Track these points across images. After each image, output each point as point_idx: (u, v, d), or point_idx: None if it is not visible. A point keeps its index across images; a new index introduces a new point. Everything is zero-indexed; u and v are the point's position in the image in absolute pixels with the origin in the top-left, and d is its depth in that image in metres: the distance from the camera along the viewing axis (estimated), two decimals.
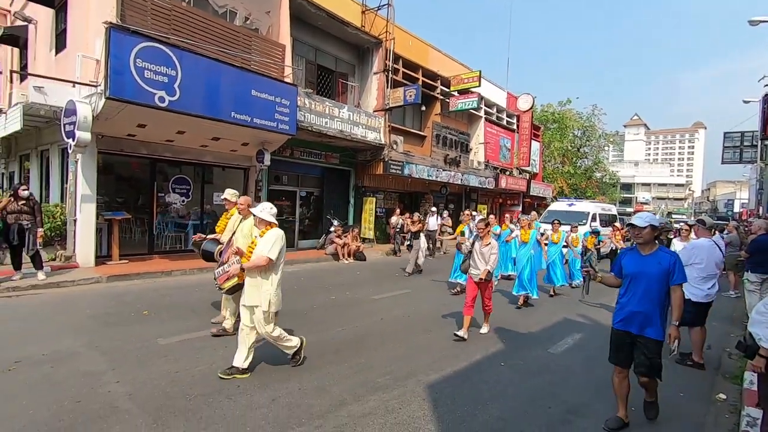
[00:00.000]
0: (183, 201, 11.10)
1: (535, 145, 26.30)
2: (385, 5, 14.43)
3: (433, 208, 14.41)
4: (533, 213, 11.48)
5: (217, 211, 12.03)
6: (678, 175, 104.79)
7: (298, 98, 11.07)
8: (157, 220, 10.55)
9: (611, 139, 44.88)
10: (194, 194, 11.27)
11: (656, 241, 3.42)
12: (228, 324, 5.20)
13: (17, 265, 7.32)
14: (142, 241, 10.44)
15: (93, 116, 7.96)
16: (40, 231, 7.45)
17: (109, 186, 9.96)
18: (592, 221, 15.59)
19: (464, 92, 17.91)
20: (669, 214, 64.93)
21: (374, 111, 14.61)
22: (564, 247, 9.40)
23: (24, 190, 7.31)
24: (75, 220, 8.65)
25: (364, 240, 14.45)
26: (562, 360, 5.13)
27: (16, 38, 12.22)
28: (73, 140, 7.92)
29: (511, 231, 9.86)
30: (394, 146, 15.16)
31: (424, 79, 16.73)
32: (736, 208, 59.33)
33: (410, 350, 5.10)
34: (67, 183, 9.27)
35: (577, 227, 10.14)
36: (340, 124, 12.77)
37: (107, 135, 8.88)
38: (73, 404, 3.40)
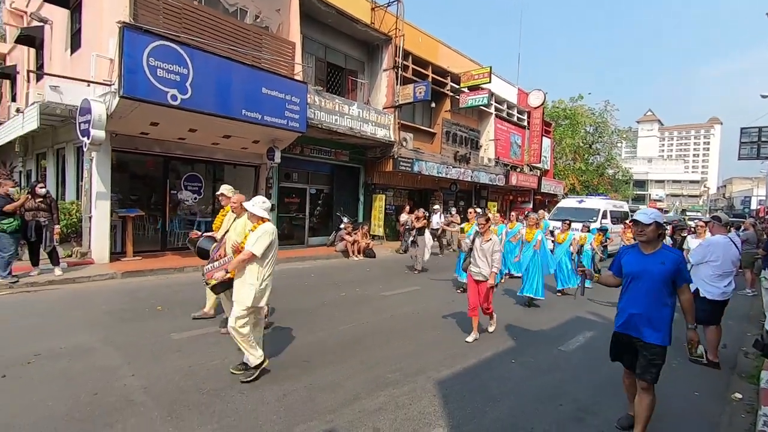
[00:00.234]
0: (195, 198, 11.23)
1: (546, 142, 26.03)
2: (395, 2, 14.39)
3: (436, 206, 14.32)
4: (541, 212, 11.33)
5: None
6: (693, 172, 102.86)
7: (308, 96, 11.11)
8: (169, 218, 10.69)
9: (624, 136, 44.28)
10: (206, 192, 11.39)
11: (660, 240, 3.18)
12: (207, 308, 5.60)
13: (35, 261, 7.50)
14: (155, 238, 10.60)
15: (107, 115, 8.08)
16: (57, 228, 7.60)
17: (123, 184, 10.11)
18: (602, 218, 15.34)
19: (474, 89, 17.78)
20: (683, 211, 63.87)
21: (384, 108, 14.59)
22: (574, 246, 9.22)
23: (41, 187, 7.47)
24: (90, 217, 8.81)
25: (373, 237, 14.48)
26: (573, 358, 5.09)
27: (33, 39, 12.46)
28: (88, 138, 8.05)
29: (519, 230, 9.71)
30: (404, 143, 15.13)
31: (434, 76, 16.65)
32: (753, 206, 58.12)
33: (420, 347, 5.10)
34: (82, 181, 9.44)
35: (588, 226, 9.93)
36: (350, 122, 12.78)
37: (121, 133, 9.01)
38: (90, 397, 3.48)
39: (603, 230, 12.35)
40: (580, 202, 17.12)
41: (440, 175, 16.57)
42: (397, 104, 14.63)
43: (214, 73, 8.91)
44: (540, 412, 3.67)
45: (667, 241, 9.70)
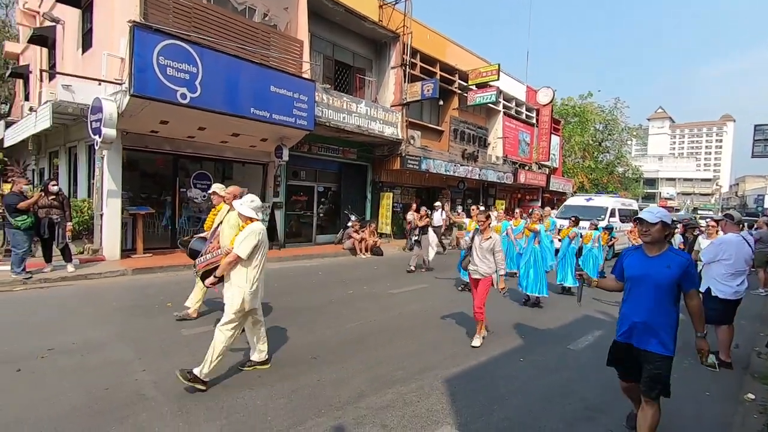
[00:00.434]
0: (204, 196, 11.31)
1: (555, 140, 25.81)
2: None
3: (437, 203, 14.24)
4: (547, 209, 11.20)
5: None
6: (705, 170, 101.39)
7: (316, 94, 11.13)
8: (179, 215, 10.80)
9: (634, 133, 43.77)
10: None
11: (666, 242, 2.92)
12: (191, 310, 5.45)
13: (48, 257, 7.62)
14: (165, 235, 10.71)
15: (118, 113, 8.17)
16: (69, 225, 7.72)
17: (134, 181, 10.23)
18: (611, 217, 15.17)
19: (482, 86, 17.68)
20: (695, 209, 62.99)
21: (391, 106, 14.57)
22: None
23: (54, 185, 7.58)
24: (101, 215, 8.92)
25: (381, 235, 14.49)
26: (582, 357, 5.05)
27: (45, 38, 12.63)
28: (100, 137, 8.15)
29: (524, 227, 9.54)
30: (412, 141, 15.10)
31: (442, 74, 16.59)
32: (767, 204, 57.16)
33: (428, 344, 5.10)
34: (93, 179, 9.56)
35: (596, 224, 9.78)
36: (358, 120, 12.79)
37: (131, 131, 9.11)
38: (102, 391, 3.53)
39: (608, 229, 12.19)
40: (588, 200, 16.93)
41: (448, 173, 16.52)
42: (404, 102, 14.60)
43: (223, 71, 8.96)
44: (549, 411, 3.65)
45: (678, 239, 9.55)
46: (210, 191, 5.49)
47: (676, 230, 9.98)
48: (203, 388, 3.60)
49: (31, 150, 13.48)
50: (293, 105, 10.30)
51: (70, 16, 11.27)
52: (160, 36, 7.98)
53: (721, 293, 4.93)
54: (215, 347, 3.66)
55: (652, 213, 2.86)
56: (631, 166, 44.46)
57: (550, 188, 24.26)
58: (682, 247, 9.49)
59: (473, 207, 9.14)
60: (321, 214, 14.31)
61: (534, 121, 23.54)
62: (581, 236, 8.94)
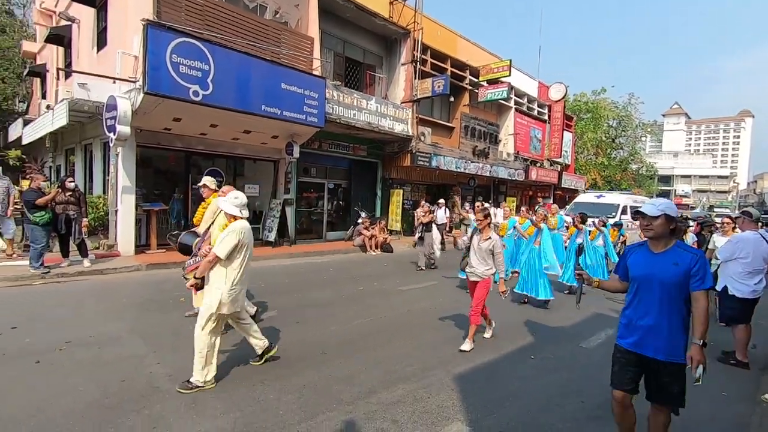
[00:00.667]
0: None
1: (567, 136, 25.51)
2: None
3: (441, 200, 14.13)
4: (554, 206, 11.05)
5: (248, 203, 12.34)
6: (722, 167, 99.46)
7: (327, 91, 11.15)
8: (191, 212, 10.93)
9: (649, 129, 43.08)
10: (226, 186, 11.57)
11: (673, 236, 2.65)
12: None
13: (65, 252, 7.78)
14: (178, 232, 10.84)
15: (132, 111, 8.29)
16: (85, 221, 7.87)
17: (147, 178, 10.37)
18: (622, 214, 14.93)
19: (494, 82, 17.55)
20: (711, 207, 61.78)
21: (402, 102, 14.54)
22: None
23: (70, 182, 7.73)
24: (116, 211, 9.07)
25: (391, 232, 14.49)
26: (594, 355, 5.00)
27: (61, 37, 12.86)
28: (114, 134, 8.28)
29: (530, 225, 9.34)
30: (422, 138, 15.06)
31: (453, 70, 16.49)
32: None
33: (438, 341, 5.10)
34: (108, 175, 9.72)
35: (605, 221, 9.59)
36: (368, 116, 12.79)
37: (145, 129, 9.23)
38: (118, 383, 3.60)
39: (618, 225, 11.99)
40: (599, 197, 16.68)
41: (458, 170, 16.44)
42: (415, 99, 14.55)
43: (235, 68, 9.02)
44: (560, 409, 3.63)
45: (691, 238, 9.34)
46: (200, 184, 5.33)
47: (690, 229, 9.77)
48: (211, 387, 3.61)
49: (48, 147, 13.74)
50: (304, 102, 10.34)
51: (86, 15, 11.45)
52: (173, 34, 8.06)
53: (739, 292, 4.85)
54: (199, 352, 3.55)
55: (653, 205, 2.61)
56: (645, 163, 43.82)
57: (562, 185, 24.02)
58: (696, 246, 9.30)
59: (477, 204, 8.83)
60: (331, 211, 14.36)
61: (546, 117, 23.30)
62: (588, 233, 8.81)
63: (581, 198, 17.43)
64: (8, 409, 3.16)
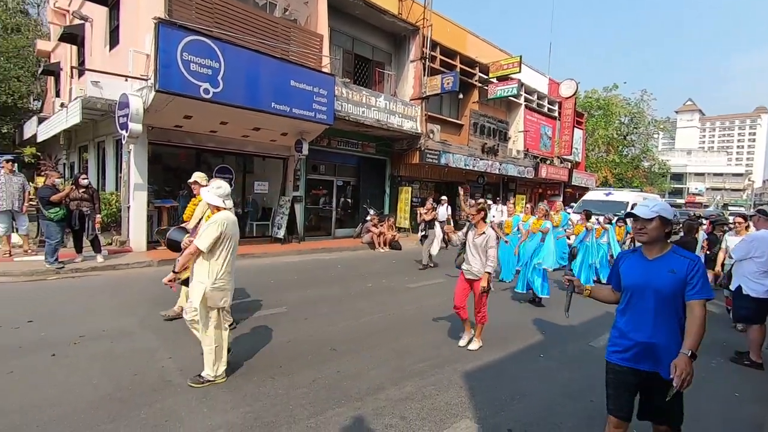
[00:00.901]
0: None
1: (578, 133, 25.24)
2: None
3: (444, 197, 14.03)
4: (558, 202, 10.92)
5: (257, 200, 12.46)
6: (736, 164, 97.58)
7: (336, 88, 11.16)
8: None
9: (661, 126, 42.44)
10: (236, 183, 11.68)
11: (668, 240, 2.44)
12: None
13: (79, 248, 7.92)
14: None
15: (144, 108, 8.39)
16: (98, 217, 7.99)
17: (158, 175, 10.49)
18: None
19: (503, 79, 17.41)
20: (725, 206, 60.75)
21: (411, 99, 14.50)
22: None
23: (84, 179, 7.85)
24: (128, 207, 9.20)
25: (399, 229, 14.50)
26: (604, 354, 4.95)
27: (75, 36, 13.03)
28: (126, 131, 8.39)
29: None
30: (431, 135, 15.01)
31: (462, 66, 16.39)
32: None
33: (446, 338, 5.10)
34: (121, 172, 9.86)
35: (610, 219, 9.44)
36: (377, 114, 12.78)
37: (156, 126, 9.34)
38: (131, 377, 3.67)
39: (629, 216, 11.74)
40: (608, 194, 16.37)
41: (467, 167, 16.37)
42: (424, 96, 14.50)
43: (245, 66, 9.08)
44: (569, 408, 3.61)
45: (702, 236, 9.18)
46: (191, 180, 5.15)
47: (702, 227, 9.61)
48: (222, 381, 3.64)
49: (62, 145, 13.96)
50: (313, 99, 10.37)
51: (98, 14, 11.59)
52: (184, 32, 8.13)
53: (753, 291, 4.77)
54: (207, 348, 3.56)
55: (647, 207, 2.41)
56: (658, 161, 43.19)
57: (573, 183, 23.78)
58: (706, 245, 9.13)
59: (481, 201, 8.52)
60: (340, 209, 14.41)
61: (556, 114, 23.07)
62: (593, 230, 8.70)
63: (589, 195, 17.16)
64: (25, 400, 3.24)
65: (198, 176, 5.12)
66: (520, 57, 16.87)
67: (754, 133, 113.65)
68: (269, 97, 9.52)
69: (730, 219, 9.70)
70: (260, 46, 9.61)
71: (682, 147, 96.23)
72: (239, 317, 5.40)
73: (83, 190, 7.74)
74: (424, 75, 14.49)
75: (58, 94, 16.52)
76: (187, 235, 4.43)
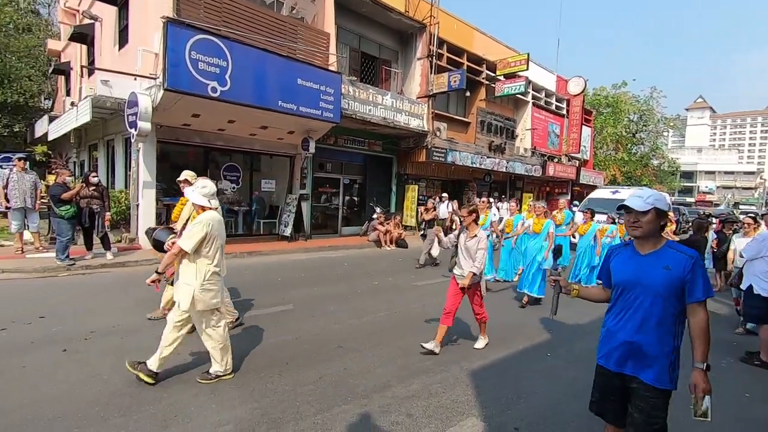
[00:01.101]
0: (233, 188, 11.61)
1: (586, 131, 25.03)
2: None
3: (444, 194, 13.92)
4: (562, 200, 10.80)
5: (264, 198, 12.53)
6: (748, 162, 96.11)
7: (342, 86, 11.17)
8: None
9: (671, 124, 41.95)
10: (243, 181, 11.76)
11: (662, 235, 2.25)
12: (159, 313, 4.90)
13: (89, 245, 8.02)
14: None
15: (153, 107, 8.46)
16: (108, 215, 8.08)
17: (166, 173, 10.56)
18: None
19: (511, 76, 17.31)
20: (736, 204, 59.95)
21: (417, 97, 14.47)
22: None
23: (94, 177, 7.95)
24: (137, 205, 9.30)
25: (406, 227, 14.50)
26: None
27: (85, 36, 13.18)
28: (135, 130, 8.47)
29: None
30: (438, 133, 14.98)
31: (469, 64, 16.32)
32: None
33: (453, 336, 5.09)
34: (130, 170, 9.96)
35: (614, 218, 9.28)
36: (383, 112, 12.77)
37: (165, 125, 9.42)
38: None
39: (622, 208, 11.53)
40: (614, 192, 16.13)
41: (474, 165, 16.32)
42: (431, 93, 14.47)
43: (252, 64, 9.11)
44: (575, 407, 3.59)
45: (712, 236, 9.06)
46: (181, 178, 4.99)
47: (712, 226, 9.49)
48: (230, 377, 3.68)
49: (73, 143, 14.14)
50: (320, 97, 10.39)
51: (108, 13, 11.70)
52: (192, 31, 8.18)
53: (764, 291, 4.71)
54: (212, 347, 3.57)
55: (640, 198, 2.20)
56: (668, 159, 42.72)
57: (580, 181, 23.61)
58: (715, 245, 9.01)
59: (482, 199, 8.22)
60: (346, 207, 14.44)
61: (564, 111, 22.90)
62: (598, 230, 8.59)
63: (596, 194, 16.94)
64: (38, 393, 3.30)
65: (187, 174, 4.96)
66: (528, 54, 16.76)
67: (767, 131, 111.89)
68: (276, 95, 9.56)
69: (741, 218, 9.57)
70: (267, 45, 9.65)
71: (693, 145, 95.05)
72: (247, 314, 5.44)
73: (93, 188, 7.83)
74: (430, 73, 14.46)
75: (68, 93, 16.72)
76: (172, 236, 4.33)
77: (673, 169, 45.65)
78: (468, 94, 16.99)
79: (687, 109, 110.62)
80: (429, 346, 4.47)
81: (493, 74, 17.35)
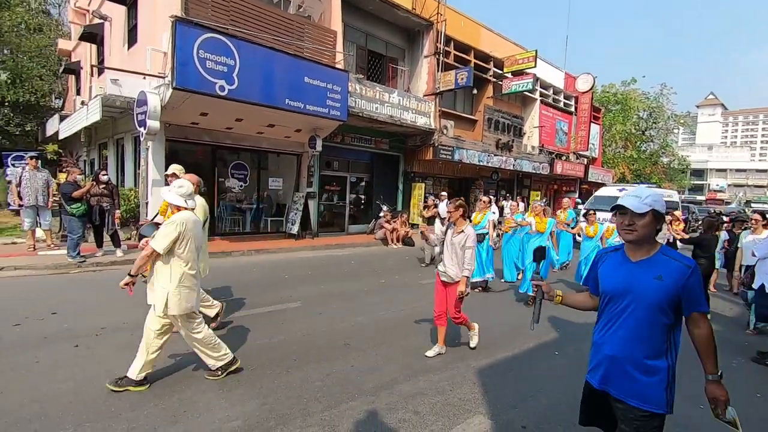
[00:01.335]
0: (241, 186, 11.69)
1: (595, 128, 24.80)
2: None
3: (444, 192, 13.81)
4: (566, 199, 10.65)
5: (272, 196, 12.59)
6: (761, 160, 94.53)
7: (349, 84, 11.17)
8: (217, 204, 11.22)
9: (681, 121, 41.38)
10: (251, 179, 11.83)
11: (656, 239, 2.02)
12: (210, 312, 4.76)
13: (99, 243, 8.13)
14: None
15: (161, 106, 8.53)
16: (117, 213, 8.18)
17: None
18: None
19: (518, 74, 17.20)
20: (748, 202, 59.05)
21: (424, 95, 14.43)
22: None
23: (104, 175, 8.05)
24: (147, 203, 9.39)
25: (412, 226, 14.48)
26: None
27: (94, 35, 13.31)
28: (145, 128, 8.54)
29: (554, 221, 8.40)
30: (445, 131, 14.93)
31: (476, 61, 16.24)
32: None
33: (459, 335, 5.09)
34: (139, 168, 10.06)
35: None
36: (390, 110, 12.75)
37: (174, 123, 9.49)
38: (150, 368, 3.75)
39: (616, 209, 11.37)
40: (621, 190, 15.94)
41: (481, 163, 16.25)
42: (438, 91, 14.43)
43: (259, 63, 9.14)
44: None
45: (723, 237, 8.89)
46: (169, 172, 4.93)
47: (724, 225, 9.33)
48: (235, 367, 3.66)
49: (83, 142, 14.29)
50: (327, 95, 10.40)
51: (117, 13, 11.80)
52: (200, 30, 8.22)
53: None
54: (199, 349, 3.53)
55: (638, 198, 1.93)
56: (678, 156, 42.20)
57: (589, 179, 23.41)
58: (727, 246, 8.87)
59: (482, 198, 8.03)
60: (353, 205, 14.46)
61: (572, 109, 22.71)
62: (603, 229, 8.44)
63: (602, 191, 16.74)
64: (50, 388, 3.36)
65: (175, 168, 4.89)
66: (536, 51, 16.63)
67: None
68: (283, 93, 9.58)
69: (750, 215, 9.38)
70: (274, 43, 9.68)
71: (704, 142, 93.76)
72: (255, 311, 5.48)
73: (103, 186, 7.93)
74: (437, 70, 14.41)
75: (78, 93, 16.91)
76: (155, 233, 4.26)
77: (683, 167, 45.10)
78: (475, 91, 16.92)
79: (698, 106, 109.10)
80: (431, 353, 4.39)
81: (500, 71, 17.24)
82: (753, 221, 6.35)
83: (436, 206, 10.35)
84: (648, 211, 1.90)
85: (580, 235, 8.67)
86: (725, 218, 10.28)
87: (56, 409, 3.09)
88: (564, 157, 21.96)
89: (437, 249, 9.44)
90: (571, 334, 5.43)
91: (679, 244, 8.36)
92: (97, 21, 12.85)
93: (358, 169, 14.49)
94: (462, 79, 14.04)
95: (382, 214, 12.90)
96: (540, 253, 2.61)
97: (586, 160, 23.85)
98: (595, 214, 8.61)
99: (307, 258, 9.87)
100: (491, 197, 8.58)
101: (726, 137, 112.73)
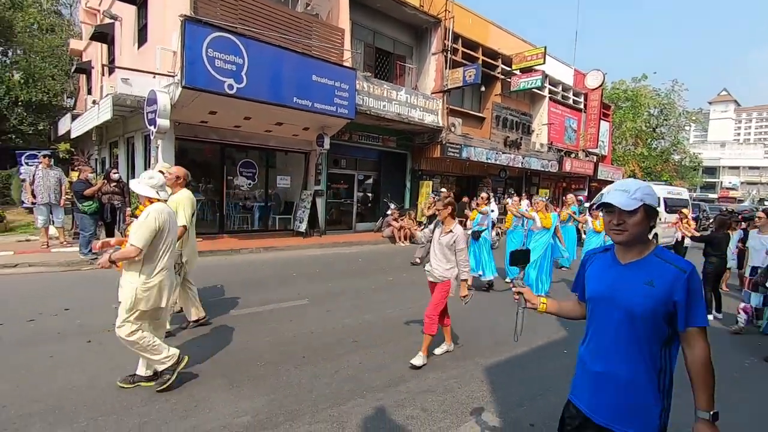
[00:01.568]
0: (249, 184, 11.76)
1: (605, 126, 24.54)
2: None
3: (443, 190, 13.72)
4: (570, 196, 10.53)
5: (280, 194, 12.65)
6: None
7: (357, 82, 11.18)
8: (226, 202, 11.30)
9: (693, 118, 40.72)
10: (259, 177, 11.90)
11: (651, 238, 1.79)
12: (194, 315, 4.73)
13: None
14: (213, 222, 11.25)
15: (171, 104, 8.61)
16: (128, 210, 8.28)
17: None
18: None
19: (527, 70, 17.07)
20: (761, 200, 58.04)
21: (432, 93, 14.39)
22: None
23: (115, 173, 8.16)
24: None
25: (420, 223, 14.46)
26: None
27: (105, 35, 13.46)
28: (155, 127, 8.63)
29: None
30: (452, 129, 14.88)
31: (485, 58, 16.15)
32: None
33: (468, 333, 5.09)
34: (149, 167, 10.16)
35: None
36: (398, 107, 12.74)
37: (183, 122, 9.57)
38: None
39: (602, 206, 11.19)
40: None
41: (489, 161, 16.16)
42: (445, 89, 14.37)
43: (267, 61, 9.18)
44: None
45: (737, 236, 8.70)
46: (156, 169, 4.71)
47: (740, 225, 9.14)
48: (183, 365, 3.46)
49: (95, 140, 14.46)
50: (334, 94, 10.41)
51: (127, 13, 11.92)
52: (209, 29, 8.28)
53: None
54: (143, 354, 3.32)
55: (626, 193, 1.66)
56: (689, 154, 41.58)
57: (598, 177, 23.16)
58: (741, 246, 8.67)
59: (482, 195, 7.88)
60: (360, 203, 14.48)
61: (582, 106, 22.48)
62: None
63: (609, 189, 16.50)
64: (64, 382, 3.42)
65: (162, 166, 4.87)
66: (545, 48, 16.47)
67: None
68: (291, 92, 9.62)
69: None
70: (282, 42, 9.70)
71: (716, 139, 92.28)
72: (263, 309, 5.53)
73: (114, 184, 8.03)
74: (445, 68, 14.35)
75: (89, 92, 17.11)
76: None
77: (694, 165, 44.43)
78: (483, 89, 16.84)
79: (710, 103, 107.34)
80: (439, 351, 4.38)
81: (508, 68, 17.12)
82: (759, 219, 6.04)
83: (435, 204, 10.28)
84: (638, 207, 1.63)
85: (585, 231, 8.59)
86: (738, 217, 10.06)
87: (70, 402, 3.14)
88: (573, 155, 21.77)
89: (423, 251, 9.48)
90: (581, 332, 5.38)
91: (688, 242, 8.25)
92: (107, 21, 12.99)
93: (365, 167, 14.50)
94: (470, 76, 13.97)
95: (389, 212, 12.90)
96: (521, 256, 2.23)
97: (595, 157, 23.61)
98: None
99: (315, 256, 9.92)
100: (490, 194, 8.48)
101: (739, 134, 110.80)
